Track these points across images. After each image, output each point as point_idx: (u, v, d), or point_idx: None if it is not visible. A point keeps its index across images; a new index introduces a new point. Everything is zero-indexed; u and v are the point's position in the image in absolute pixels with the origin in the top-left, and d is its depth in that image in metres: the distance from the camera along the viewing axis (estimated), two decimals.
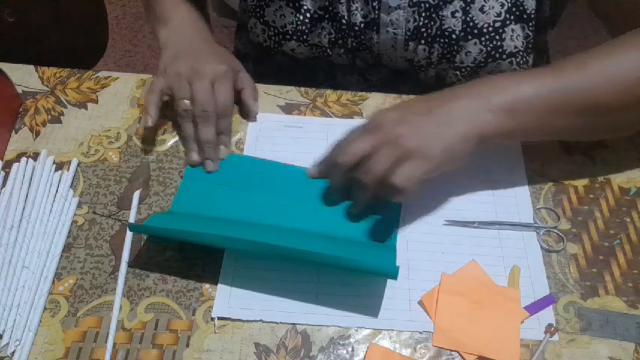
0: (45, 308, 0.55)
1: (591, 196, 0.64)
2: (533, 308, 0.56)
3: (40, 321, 0.54)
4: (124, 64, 1.79)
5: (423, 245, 0.60)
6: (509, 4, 0.67)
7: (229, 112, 0.66)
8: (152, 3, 0.75)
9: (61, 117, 0.70)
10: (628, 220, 0.62)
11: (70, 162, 0.65)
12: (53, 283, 0.57)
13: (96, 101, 0.72)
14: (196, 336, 0.54)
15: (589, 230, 0.62)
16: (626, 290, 0.57)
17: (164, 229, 0.57)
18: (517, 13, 0.68)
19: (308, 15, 0.71)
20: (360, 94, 0.72)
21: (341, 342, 0.54)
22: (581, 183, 0.65)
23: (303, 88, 0.73)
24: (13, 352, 0.52)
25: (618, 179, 0.66)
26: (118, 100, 0.72)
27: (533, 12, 0.68)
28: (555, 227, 0.61)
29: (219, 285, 0.57)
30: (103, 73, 0.75)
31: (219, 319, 0.55)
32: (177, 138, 0.68)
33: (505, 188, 0.64)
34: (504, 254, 0.59)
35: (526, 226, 0.61)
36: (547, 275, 0.58)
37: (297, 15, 0.71)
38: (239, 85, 0.69)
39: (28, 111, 0.70)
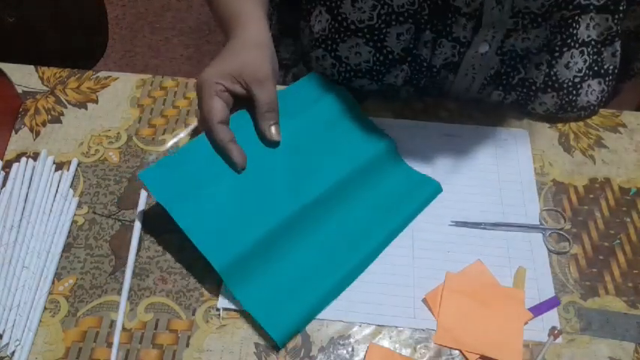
0: (45, 308, 0.55)
1: (591, 196, 0.64)
2: (538, 310, 0.55)
3: (40, 321, 0.54)
4: (124, 64, 1.78)
5: (429, 244, 0.60)
6: (591, 61, 0.65)
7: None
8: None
9: (61, 117, 0.70)
10: (628, 220, 0.62)
11: (70, 162, 0.65)
12: (53, 283, 0.57)
13: (96, 101, 0.72)
14: (196, 336, 0.54)
15: (589, 230, 0.62)
16: (626, 290, 0.57)
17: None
18: (596, 69, 0.66)
19: (390, 57, 0.66)
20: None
21: (341, 342, 0.54)
22: (581, 183, 0.65)
23: None
24: (13, 352, 0.52)
25: (618, 179, 0.66)
26: (118, 100, 0.72)
27: (612, 68, 0.67)
28: (562, 229, 0.61)
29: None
30: (103, 73, 0.75)
31: (224, 309, 0.55)
32: (177, 138, 0.68)
33: (513, 189, 0.64)
34: (510, 255, 0.59)
35: (532, 227, 0.61)
36: None
37: (377, 55, 0.66)
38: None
39: (28, 111, 0.70)
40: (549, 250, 0.60)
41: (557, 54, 0.64)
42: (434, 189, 0.63)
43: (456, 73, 0.68)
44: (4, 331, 0.53)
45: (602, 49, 0.65)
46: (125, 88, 0.73)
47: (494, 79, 0.68)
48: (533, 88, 0.67)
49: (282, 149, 0.60)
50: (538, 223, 0.62)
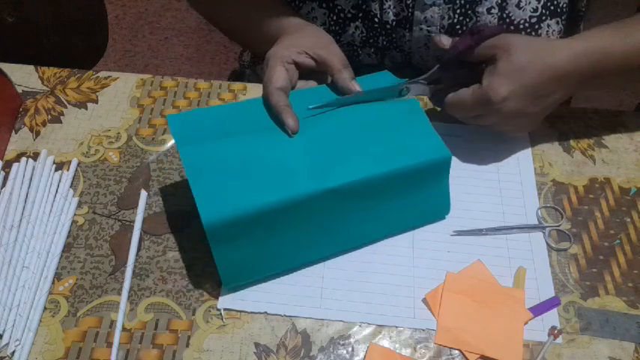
0: (45, 308, 0.55)
1: (591, 196, 0.64)
2: (538, 310, 0.55)
3: (40, 321, 0.54)
4: (124, 64, 1.79)
5: (429, 244, 0.60)
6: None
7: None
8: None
9: (61, 117, 0.70)
10: (628, 220, 0.62)
11: (70, 162, 0.65)
12: (53, 283, 0.57)
13: (96, 101, 0.72)
14: (196, 336, 0.54)
15: (589, 230, 0.62)
16: (626, 290, 0.57)
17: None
18: (552, 7, 0.67)
19: (341, 15, 0.70)
20: None
21: (341, 342, 0.54)
22: (581, 183, 0.65)
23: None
24: (13, 352, 0.52)
25: (618, 179, 0.66)
26: (118, 100, 0.72)
27: (565, 5, 0.68)
28: (561, 225, 0.61)
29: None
30: (103, 73, 0.75)
31: (224, 309, 0.55)
32: None
33: (513, 189, 0.64)
34: (510, 255, 0.59)
35: (532, 227, 0.61)
36: None
37: (331, 15, 0.70)
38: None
39: (28, 111, 0.70)
40: (550, 248, 0.60)
41: None
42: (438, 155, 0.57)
43: (411, 30, 0.69)
44: (4, 331, 0.53)
45: None
46: (125, 88, 0.73)
47: (449, 31, 0.69)
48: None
49: (320, 133, 0.58)
50: (538, 222, 0.62)
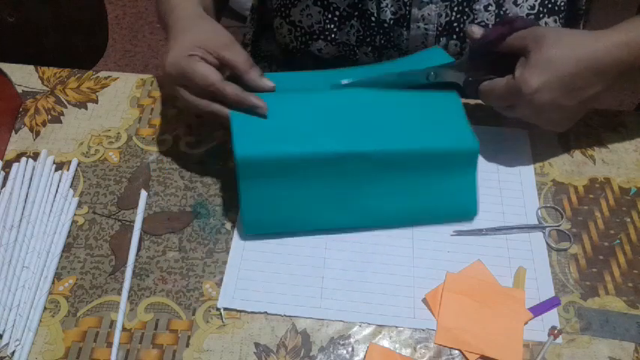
0: (45, 308, 0.55)
1: (591, 196, 0.64)
2: (538, 310, 0.55)
3: (40, 321, 0.54)
4: (124, 64, 1.79)
5: (429, 244, 0.60)
6: None
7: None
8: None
9: (61, 117, 0.70)
10: (628, 220, 0.62)
11: (70, 162, 0.65)
12: (53, 283, 0.57)
13: (96, 101, 0.72)
14: (196, 336, 0.54)
15: (589, 230, 0.62)
16: (626, 290, 0.57)
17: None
18: (549, 5, 0.67)
19: (337, 13, 0.69)
20: None
21: (341, 342, 0.54)
22: (581, 183, 0.65)
23: None
24: (13, 352, 0.52)
25: (618, 179, 0.66)
26: (118, 100, 0.72)
27: (564, 3, 0.68)
28: (561, 225, 0.61)
29: (224, 277, 0.57)
30: (103, 73, 0.75)
31: (224, 309, 0.55)
32: (177, 138, 0.68)
33: (513, 189, 0.64)
34: (510, 255, 0.59)
35: (532, 227, 0.61)
36: None
37: (326, 13, 0.70)
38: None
39: (28, 111, 0.70)
40: (550, 248, 0.60)
41: None
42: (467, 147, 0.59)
43: (408, 28, 0.69)
44: (4, 331, 0.53)
45: None
46: (125, 88, 0.73)
47: (446, 29, 0.68)
48: None
49: (357, 104, 0.60)
50: (538, 222, 0.62)
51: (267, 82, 0.59)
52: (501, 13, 0.66)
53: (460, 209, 0.61)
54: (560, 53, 0.56)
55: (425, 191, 0.59)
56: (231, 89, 0.56)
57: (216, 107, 0.57)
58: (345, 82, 0.61)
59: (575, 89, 0.57)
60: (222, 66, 0.58)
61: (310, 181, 0.57)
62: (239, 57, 0.58)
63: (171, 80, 0.58)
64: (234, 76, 0.58)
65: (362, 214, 0.59)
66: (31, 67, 0.75)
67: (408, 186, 0.59)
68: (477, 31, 0.62)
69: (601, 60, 0.56)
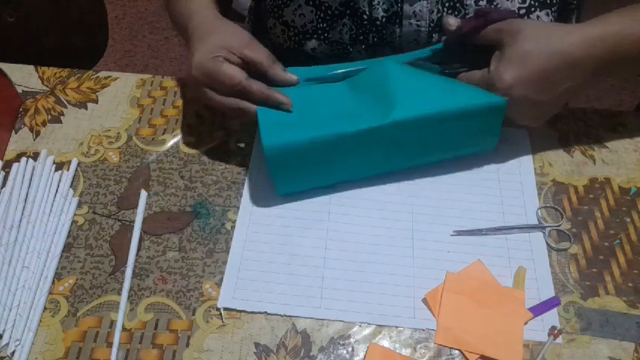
0: (45, 308, 0.55)
1: (591, 196, 0.64)
2: (538, 310, 0.55)
3: (40, 321, 0.54)
4: (124, 64, 1.79)
5: (429, 244, 0.60)
6: None
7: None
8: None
9: (61, 117, 0.70)
10: (628, 220, 0.62)
11: (70, 162, 0.65)
12: (53, 283, 0.57)
13: (96, 101, 0.72)
14: (196, 336, 0.54)
15: (589, 230, 0.62)
16: (626, 290, 0.57)
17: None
18: None
19: (329, 12, 0.70)
20: None
21: (341, 342, 0.54)
22: (581, 183, 0.65)
23: None
24: (13, 352, 0.52)
25: (618, 179, 0.66)
26: (118, 100, 0.72)
27: None
28: (561, 225, 0.61)
29: (224, 277, 0.57)
30: (103, 73, 0.75)
31: (224, 309, 0.55)
32: (177, 138, 0.68)
33: (513, 189, 0.64)
34: (510, 255, 0.59)
35: (532, 227, 0.61)
36: None
37: (318, 12, 0.70)
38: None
39: (28, 111, 0.70)
40: (550, 248, 0.60)
41: None
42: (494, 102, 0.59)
43: (401, 25, 0.69)
44: (4, 331, 0.53)
45: None
46: (125, 88, 0.73)
47: (438, 25, 0.68)
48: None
49: (377, 85, 0.61)
50: (538, 222, 0.62)
51: (291, 75, 0.61)
52: (492, 7, 0.66)
53: (483, 143, 0.65)
54: (535, 48, 0.56)
55: (453, 145, 0.63)
56: (257, 87, 0.58)
57: (244, 104, 0.59)
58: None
59: (549, 84, 0.57)
60: (246, 64, 0.59)
61: (337, 157, 0.59)
62: (261, 54, 0.59)
63: (197, 82, 0.59)
64: (257, 73, 0.60)
65: (392, 162, 0.63)
66: (31, 67, 0.75)
67: (437, 147, 0.63)
68: (452, 22, 0.61)
69: (574, 55, 0.56)
